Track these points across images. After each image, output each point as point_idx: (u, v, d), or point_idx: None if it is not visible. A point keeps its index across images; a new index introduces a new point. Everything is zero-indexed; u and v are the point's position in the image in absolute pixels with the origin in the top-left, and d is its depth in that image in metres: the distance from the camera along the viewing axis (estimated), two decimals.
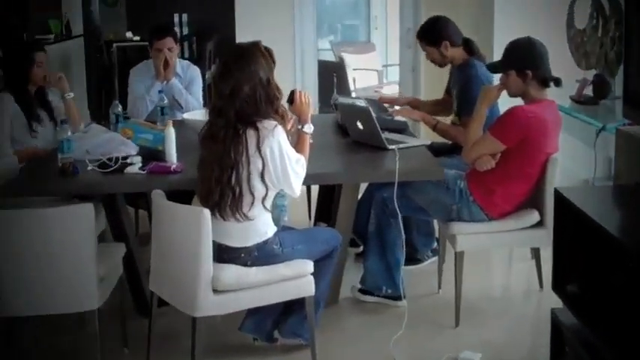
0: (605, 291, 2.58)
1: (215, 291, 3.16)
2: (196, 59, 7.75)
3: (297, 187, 3.27)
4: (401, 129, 4.44)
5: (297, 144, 3.42)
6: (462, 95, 4.39)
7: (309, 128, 3.50)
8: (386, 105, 4.83)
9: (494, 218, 3.84)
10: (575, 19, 5.20)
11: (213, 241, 3.14)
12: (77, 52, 8.27)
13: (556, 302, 2.99)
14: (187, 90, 5.04)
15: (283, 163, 3.18)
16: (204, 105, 4.98)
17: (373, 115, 3.97)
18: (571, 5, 5.22)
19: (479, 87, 4.07)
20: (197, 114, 4.28)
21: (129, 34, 8.62)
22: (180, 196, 3.38)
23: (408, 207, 3.96)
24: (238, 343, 3.69)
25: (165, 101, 4.64)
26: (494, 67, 4.02)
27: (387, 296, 4.09)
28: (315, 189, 5.10)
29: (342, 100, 4.52)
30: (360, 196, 4.17)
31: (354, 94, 8.93)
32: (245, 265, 3.23)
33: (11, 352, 3.57)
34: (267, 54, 3.25)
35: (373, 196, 4.09)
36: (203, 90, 5.23)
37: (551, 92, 3.81)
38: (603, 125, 4.11)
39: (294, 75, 7.38)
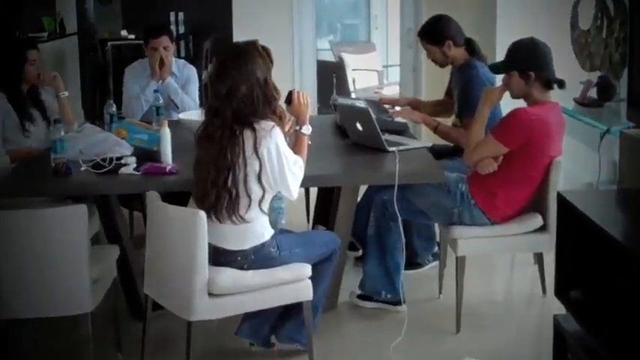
0: (609, 297, 2.58)
1: (211, 294, 3.16)
2: (193, 58, 7.75)
3: (294, 190, 3.27)
4: (401, 130, 4.44)
5: (294, 145, 3.42)
6: (463, 96, 4.39)
7: (307, 129, 3.50)
8: (386, 106, 4.83)
9: (496, 222, 3.84)
10: (580, 20, 5.21)
11: (209, 244, 3.14)
12: (71, 51, 8.27)
13: (559, 308, 2.99)
14: (183, 90, 5.04)
15: (281, 165, 3.18)
16: (201, 105, 4.98)
17: (373, 116, 3.98)
18: (575, 5, 5.24)
19: (480, 88, 4.07)
20: (193, 114, 4.29)
21: (124, 33, 8.63)
22: (176, 197, 3.38)
23: (408, 210, 3.96)
24: (234, 348, 3.68)
25: (161, 101, 4.64)
26: (496, 68, 4.02)
27: (386, 301, 4.09)
28: (313, 191, 5.10)
29: (342, 100, 4.52)
30: (359, 199, 4.17)
31: (353, 95, 8.94)
32: (241, 268, 3.23)
33: (2, 357, 3.56)
34: (265, 53, 3.26)
35: (373, 199, 4.10)
36: (199, 90, 5.23)
37: (554, 94, 3.81)
38: (608, 128, 4.11)
39: (293, 75, 7.37)
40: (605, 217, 2.69)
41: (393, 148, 3.92)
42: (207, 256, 3.13)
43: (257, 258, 3.24)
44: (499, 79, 4.01)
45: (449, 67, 4.67)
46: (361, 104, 4.13)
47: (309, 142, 3.53)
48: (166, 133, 3.71)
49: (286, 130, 3.37)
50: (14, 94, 4.37)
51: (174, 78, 5.06)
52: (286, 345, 3.61)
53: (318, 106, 7.38)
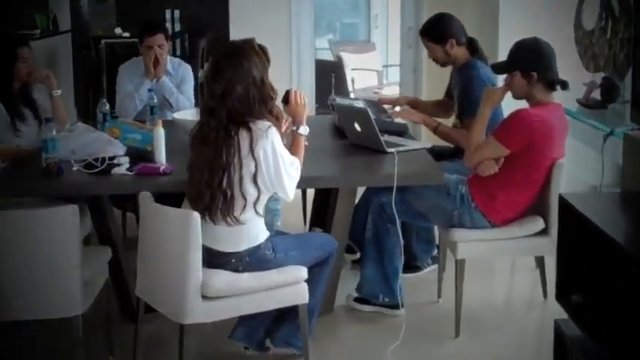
0: (611, 302, 2.58)
1: (204, 297, 3.16)
2: (188, 57, 7.75)
3: (290, 191, 3.28)
4: (400, 131, 4.44)
5: (291, 146, 3.43)
6: (464, 96, 4.40)
7: (304, 130, 3.51)
8: (385, 106, 4.83)
9: (496, 225, 3.84)
10: (583, 20, 5.21)
11: (203, 246, 3.14)
12: (64, 48, 8.26)
13: (560, 313, 2.99)
14: (178, 89, 5.05)
15: (277, 166, 3.19)
16: (196, 104, 4.98)
17: (372, 116, 3.98)
18: (579, 5, 5.24)
19: (481, 88, 4.07)
20: (188, 114, 4.28)
21: (118, 30, 8.62)
22: (170, 198, 3.38)
23: (407, 213, 3.97)
24: (228, 351, 3.69)
25: (155, 100, 4.64)
26: (498, 68, 4.03)
27: (384, 305, 4.10)
28: (310, 193, 5.11)
29: (340, 101, 4.53)
30: (357, 201, 4.17)
31: (352, 95, 8.95)
32: (236, 270, 3.23)
33: None
34: (262, 52, 3.26)
35: (371, 201, 4.10)
36: (195, 89, 5.23)
37: (557, 95, 3.82)
38: (611, 130, 4.12)
39: (290, 74, 7.39)
40: (608, 220, 2.69)
41: (392, 150, 3.92)
42: (200, 258, 3.13)
43: (252, 260, 3.24)
44: (501, 79, 4.02)
45: (449, 68, 4.67)
46: (360, 104, 4.13)
47: (306, 143, 3.54)
48: (160, 133, 3.71)
49: (283, 130, 3.37)
50: (5, 93, 4.37)
51: (169, 77, 5.06)
52: (281, 349, 3.61)
53: (316, 106, 7.40)
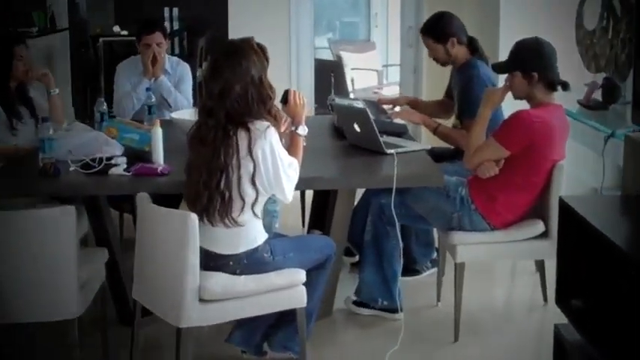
0: (612, 306, 2.58)
1: (201, 300, 3.15)
2: (187, 56, 7.75)
3: (289, 192, 3.28)
4: (400, 132, 4.44)
5: (290, 147, 3.42)
6: (463, 97, 4.39)
7: (303, 130, 3.50)
8: (386, 107, 4.83)
9: (496, 228, 3.84)
10: (585, 20, 5.21)
11: (201, 248, 3.13)
12: (62, 47, 8.26)
13: (560, 317, 2.99)
14: (177, 88, 5.04)
15: (275, 167, 3.18)
16: (195, 104, 4.98)
17: (371, 117, 3.98)
18: (580, 5, 5.24)
19: (481, 88, 4.07)
20: (186, 113, 4.28)
21: (116, 29, 8.62)
22: (167, 199, 3.38)
23: (406, 215, 3.97)
24: (225, 355, 3.69)
25: (153, 99, 4.64)
26: (498, 68, 4.03)
27: (383, 309, 4.09)
28: (309, 194, 5.10)
29: (339, 101, 4.53)
30: (356, 203, 4.17)
31: (352, 95, 8.95)
32: (234, 273, 3.23)
33: None
34: (260, 51, 3.26)
35: (370, 203, 4.10)
36: (193, 88, 5.23)
37: (558, 96, 3.82)
38: (612, 131, 4.11)
39: (289, 74, 7.39)
40: (608, 223, 2.69)
41: (392, 151, 3.92)
42: (198, 261, 3.12)
43: (250, 263, 3.24)
44: (501, 79, 4.01)
45: (449, 68, 4.67)
46: (359, 105, 4.13)
47: (305, 144, 3.53)
48: (158, 133, 3.71)
49: (282, 130, 3.37)
50: (1, 91, 4.37)
51: (168, 76, 5.06)
52: (279, 353, 3.61)
53: (315, 106, 7.40)
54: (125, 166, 3.63)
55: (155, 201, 3.31)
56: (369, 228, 4.07)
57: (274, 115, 3.28)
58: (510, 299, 4.61)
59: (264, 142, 3.15)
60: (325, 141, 4.38)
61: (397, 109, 4.81)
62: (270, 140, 3.16)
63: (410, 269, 4.51)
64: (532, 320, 4.27)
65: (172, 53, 6.85)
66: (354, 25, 12.99)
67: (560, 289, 2.95)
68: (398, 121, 4.64)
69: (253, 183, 3.17)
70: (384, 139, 4.03)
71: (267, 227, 3.31)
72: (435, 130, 4.47)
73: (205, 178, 3.16)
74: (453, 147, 4.53)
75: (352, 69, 10.14)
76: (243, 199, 3.17)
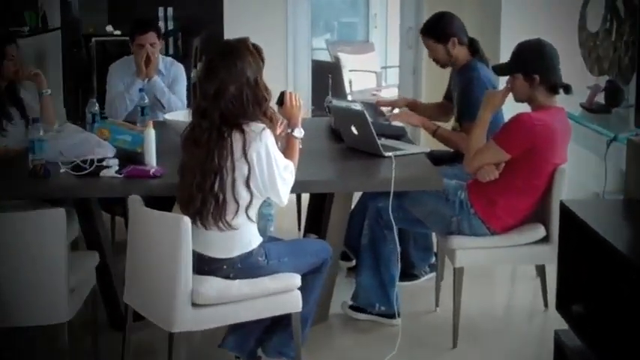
0: (613, 312, 2.58)
1: (194, 305, 3.15)
2: (181, 56, 7.75)
3: (284, 195, 3.28)
4: (398, 135, 4.44)
5: (286, 149, 3.42)
6: (463, 99, 4.39)
7: (299, 132, 3.50)
8: (384, 109, 4.83)
9: (496, 232, 3.84)
10: (588, 22, 5.22)
11: (194, 252, 3.13)
12: (54, 46, 8.26)
13: (561, 323, 2.99)
14: (170, 89, 5.05)
15: (270, 169, 3.18)
16: (189, 105, 4.98)
17: (369, 119, 3.98)
18: (583, 7, 5.24)
19: (481, 90, 4.08)
20: (179, 114, 4.27)
21: (109, 28, 8.62)
22: (160, 202, 3.37)
23: (404, 219, 3.97)
24: None
25: (146, 100, 4.64)
26: (500, 70, 4.03)
27: (380, 314, 4.09)
28: (305, 198, 5.11)
29: (337, 103, 4.53)
30: (353, 207, 4.17)
31: (349, 97, 8.96)
32: (227, 277, 3.23)
33: None
34: (256, 52, 3.26)
35: (367, 207, 4.10)
36: (187, 89, 5.23)
37: (560, 99, 3.82)
38: (615, 135, 4.12)
39: (286, 75, 7.39)
40: (610, 228, 2.69)
41: (390, 154, 3.92)
42: (191, 265, 3.12)
43: (244, 267, 3.24)
44: (502, 81, 4.02)
45: (449, 69, 4.67)
46: (357, 107, 4.14)
47: (301, 146, 3.53)
48: (151, 135, 3.71)
49: (277, 133, 3.37)
50: None
51: (161, 76, 5.06)
52: (273, 359, 3.60)
53: (312, 108, 7.40)
54: (117, 168, 3.63)
55: (147, 204, 3.31)
56: (367, 232, 4.07)
57: (270, 116, 3.28)
58: (510, 305, 4.62)
59: (259, 145, 3.15)
60: (322, 143, 4.38)
61: (396, 111, 4.81)
62: (266, 142, 3.16)
63: (408, 274, 4.51)
64: (532, 326, 4.27)
65: (167, 53, 6.87)
66: (353, 25, 13.00)
67: (560, 295, 2.96)
68: (396, 123, 4.64)
69: (248, 186, 3.16)
70: (382, 141, 4.03)
71: (262, 231, 3.31)
72: (434, 133, 4.47)
73: (199, 181, 3.16)
74: (452, 150, 4.54)
75: (350, 70, 10.14)
76: (237, 202, 3.17)
